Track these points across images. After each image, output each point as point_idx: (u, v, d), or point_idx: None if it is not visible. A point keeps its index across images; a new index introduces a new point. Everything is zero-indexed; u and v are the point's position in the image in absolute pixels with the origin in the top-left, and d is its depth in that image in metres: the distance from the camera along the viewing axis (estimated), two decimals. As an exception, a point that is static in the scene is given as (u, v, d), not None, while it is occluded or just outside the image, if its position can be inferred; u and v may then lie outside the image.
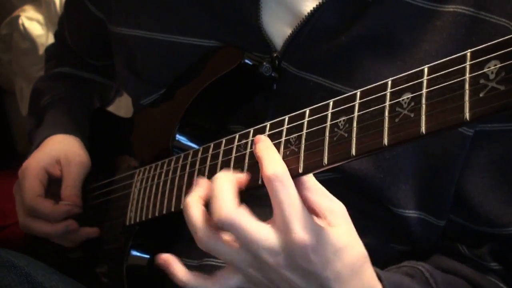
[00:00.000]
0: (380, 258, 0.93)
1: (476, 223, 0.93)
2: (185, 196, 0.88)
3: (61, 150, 1.14)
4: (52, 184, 1.12)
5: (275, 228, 0.70)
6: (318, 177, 0.92)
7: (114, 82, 1.38)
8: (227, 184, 0.72)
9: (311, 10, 0.91)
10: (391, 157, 0.89)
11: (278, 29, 0.95)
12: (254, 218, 0.70)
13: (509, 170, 0.91)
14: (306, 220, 0.69)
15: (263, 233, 0.70)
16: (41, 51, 2.05)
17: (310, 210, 0.72)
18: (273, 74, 0.94)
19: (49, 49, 1.44)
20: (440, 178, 0.91)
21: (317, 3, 0.91)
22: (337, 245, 0.71)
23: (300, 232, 0.68)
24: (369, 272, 0.75)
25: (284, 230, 0.69)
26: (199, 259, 0.96)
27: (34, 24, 2.08)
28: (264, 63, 0.94)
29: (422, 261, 0.96)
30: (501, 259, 0.93)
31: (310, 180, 0.72)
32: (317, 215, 0.73)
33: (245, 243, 0.70)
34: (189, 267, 0.95)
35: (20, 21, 2.09)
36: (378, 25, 0.90)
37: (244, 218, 0.70)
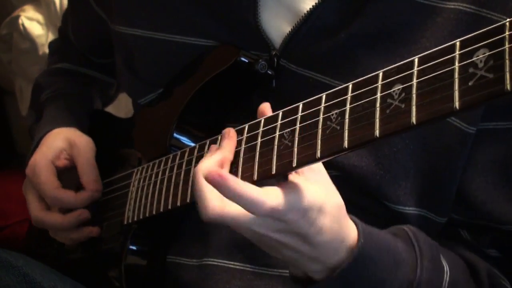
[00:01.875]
0: None
1: (479, 221, 0.93)
2: (181, 194, 0.88)
3: (63, 139, 1.13)
4: (61, 178, 1.12)
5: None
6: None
7: (115, 79, 1.37)
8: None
9: (310, 8, 0.91)
10: (392, 153, 0.89)
11: (277, 27, 0.95)
12: (235, 206, 0.71)
13: None
14: (276, 191, 0.70)
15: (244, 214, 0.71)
16: (41, 51, 2.05)
17: None
18: (269, 72, 0.94)
19: (52, 43, 1.45)
20: (441, 176, 0.91)
21: (317, 1, 0.91)
22: (317, 201, 0.72)
23: (272, 202, 0.69)
24: (347, 221, 0.77)
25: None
26: (199, 258, 0.96)
27: (34, 24, 2.09)
28: (260, 60, 0.94)
29: None
30: (501, 247, 0.94)
31: None
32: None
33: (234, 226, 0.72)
34: (189, 267, 0.96)
35: (20, 21, 2.09)
36: (377, 22, 0.90)
37: (229, 212, 0.71)
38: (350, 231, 0.77)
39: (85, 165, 1.11)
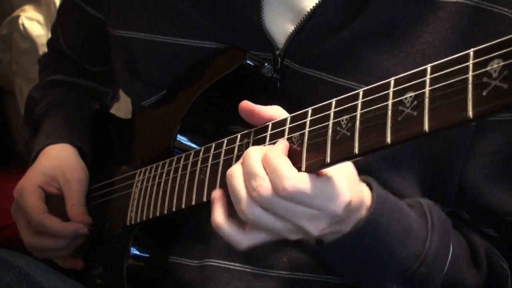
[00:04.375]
0: None
1: (478, 211, 0.95)
2: (186, 196, 0.88)
3: (56, 167, 1.11)
4: (50, 202, 1.10)
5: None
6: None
7: (110, 88, 1.36)
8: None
9: (313, 7, 0.92)
10: (396, 147, 0.90)
11: (280, 26, 0.95)
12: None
13: (511, 160, 0.92)
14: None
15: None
16: (41, 51, 2.04)
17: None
18: (274, 75, 0.94)
19: (42, 59, 1.41)
20: (444, 167, 0.92)
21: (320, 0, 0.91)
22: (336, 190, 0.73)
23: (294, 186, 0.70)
24: (359, 185, 0.79)
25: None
26: (200, 259, 0.96)
27: (34, 24, 2.07)
28: (266, 64, 0.94)
29: None
30: (498, 228, 0.95)
31: None
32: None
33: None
34: (190, 267, 0.96)
35: (20, 21, 2.07)
36: (380, 18, 0.90)
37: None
38: (364, 196, 0.79)
39: (74, 201, 1.09)
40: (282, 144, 0.74)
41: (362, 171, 0.90)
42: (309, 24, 0.92)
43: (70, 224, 1.06)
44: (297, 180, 0.70)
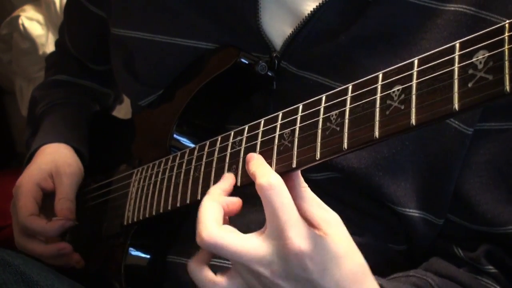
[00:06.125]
0: (377, 258, 0.93)
1: (473, 222, 0.93)
2: (181, 195, 0.88)
3: (52, 161, 1.12)
4: (48, 198, 1.11)
5: (267, 236, 0.69)
6: (317, 176, 0.92)
7: (112, 90, 1.37)
8: (209, 205, 0.74)
9: (312, 10, 0.91)
10: (391, 155, 0.89)
11: (278, 29, 0.95)
12: (237, 233, 0.71)
13: (506, 169, 0.91)
14: (301, 227, 0.68)
15: (250, 245, 0.69)
16: (41, 51, 2.05)
17: (305, 220, 0.71)
18: (269, 73, 0.94)
19: (49, 58, 1.43)
20: (440, 177, 0.91)
21: (318, 3, 0.91)
22: (336, 253, 0.69)
23: (296, 239, 0.67)
24: (370, 283, 0.73)
25: (278, 237, 0.68)
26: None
27: (34, 24, 2.09)
28: (260, 62, 0.93)
29: (419, 261, 0.95)
30: (496, 262, 0.93)
31: (305, 190, 0.72)
32: (312, 225, 0.70)
33: (234, 259, 0.71)
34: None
35: (20, 21, 2.09)
36: (378, 24, 0.90)
37: (226, 237, 0.70)
38: None
39: (62, 198, 1.09)
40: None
41: (357, 180, 0.90)
42: (307, 27, 0.92)
43: (53, 223, 1.06)
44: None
